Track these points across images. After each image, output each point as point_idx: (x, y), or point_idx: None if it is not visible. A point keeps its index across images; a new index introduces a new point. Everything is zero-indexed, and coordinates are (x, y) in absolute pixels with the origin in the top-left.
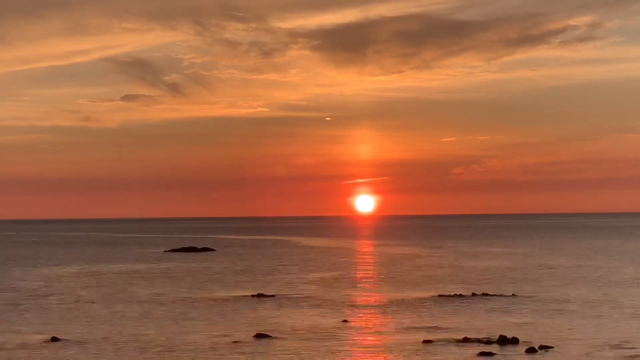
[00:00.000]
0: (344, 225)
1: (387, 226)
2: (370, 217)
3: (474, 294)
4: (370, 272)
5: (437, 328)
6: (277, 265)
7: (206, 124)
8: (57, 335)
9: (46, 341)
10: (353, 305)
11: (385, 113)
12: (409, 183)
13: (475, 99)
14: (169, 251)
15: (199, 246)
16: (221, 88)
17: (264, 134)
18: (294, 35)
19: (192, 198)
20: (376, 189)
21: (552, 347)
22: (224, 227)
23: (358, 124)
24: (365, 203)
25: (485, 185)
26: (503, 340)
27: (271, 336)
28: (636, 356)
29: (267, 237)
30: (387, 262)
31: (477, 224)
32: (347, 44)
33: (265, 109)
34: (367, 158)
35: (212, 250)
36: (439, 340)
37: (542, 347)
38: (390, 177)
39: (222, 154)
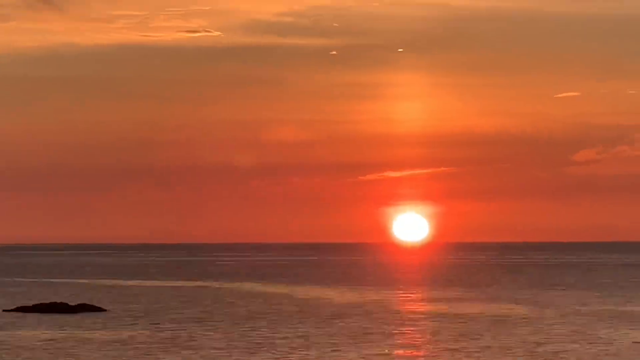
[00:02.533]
0: (355, 262)
1: (454, 265)
2: (415, 247)
3: None
4: None
5: None
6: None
7: (98, 59)
8: None
9: None
10: None
11: (450, 42)
12: (495, 179)
13: (622, 14)
14: (12, 310)
15: (73, 301)
16: None
17: (211, 79)
18: None
19: (70, 206)
20: (429, 191)
21: None
22: (131, 262)
23: (394, 62)
24: (405, 219)
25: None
26: None
27: None
28: None
29: (207, 284)
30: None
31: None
32: None
33: (214, 33)
34: (410, 131)
35: (99, 310)
36: None
37: None
38: (458, 167)
39: (129, 119)
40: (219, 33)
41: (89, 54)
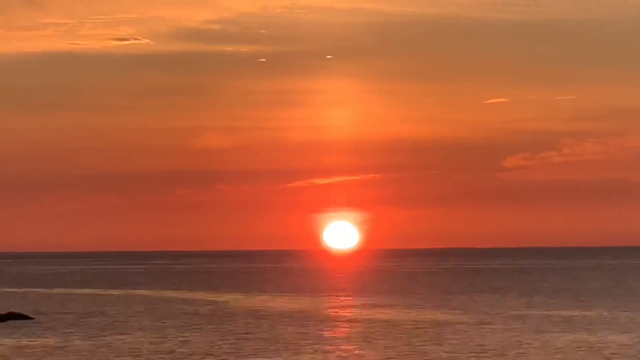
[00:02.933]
0: (284, 269)
1: (380, 270)
2: (343, 253)
3: None
4: None
5: None
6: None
7: (24, 67)
8: None
9: None
10: None
11: (378, 49)
12: (424, 186)
13: (549, 20)
14: None
15: (2, 310)
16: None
17: (139, 87)
18: None
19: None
20: (357, 198)
21: None
22: (61, 269)
23: (323, 69)
24: (333, 226)
25: (568, 190)
26: None
27: None
28: None
29: (136, 292)
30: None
31: (560, 265)
32: None
33: (142, 41)
34: (338, 138)
35: (27, 317)
36: None
37: None
38: (386, 174)
39: (54, 128)
40: (147, 41)
41: (16, 62)
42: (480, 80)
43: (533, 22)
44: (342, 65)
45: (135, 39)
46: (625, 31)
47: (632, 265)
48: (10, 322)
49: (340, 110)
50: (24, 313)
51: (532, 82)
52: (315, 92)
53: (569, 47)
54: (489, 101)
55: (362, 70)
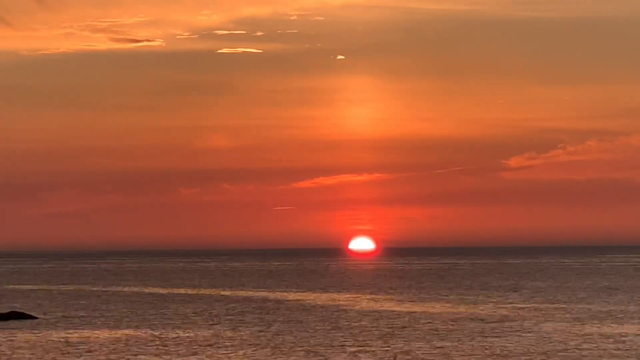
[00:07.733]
0: (287, 269)
1: (404, 269)
2: (352, 252)
3: None
4: None
5: None
6: None
7: (39, 68)
8: None
9: None
10: None
11: (390, 48)
12: (430, 185)
13: (557, 18)
14: None
15: (4, 308)
16: (73, 3)
17: (151, 87)
18: None
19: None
20: (363, 197)
21: None
22: (64, 268)
23: (336, 68)
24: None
25: (573, 189)
26: None
27: None
28: None
29: (145, 289)
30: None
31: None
32: None
33: (155, 42)
34: (343, 137)
35: (29, 317)
36: None
37: None
38: (392, 173)
39: (64, 127)
40: (160, 41)
41: (31, 63)
42: (490, 80)
43: (541, 21)
44: (355, 63)
45: (148, 40)
46: (634, 31)
47: None
48: (12, 322)
49: (346, 109)
50: (28, 312)
51: (538, 81)
52: (326, 91)
53: (577, 46)
54: (497, 101)
55: (372, 68)
